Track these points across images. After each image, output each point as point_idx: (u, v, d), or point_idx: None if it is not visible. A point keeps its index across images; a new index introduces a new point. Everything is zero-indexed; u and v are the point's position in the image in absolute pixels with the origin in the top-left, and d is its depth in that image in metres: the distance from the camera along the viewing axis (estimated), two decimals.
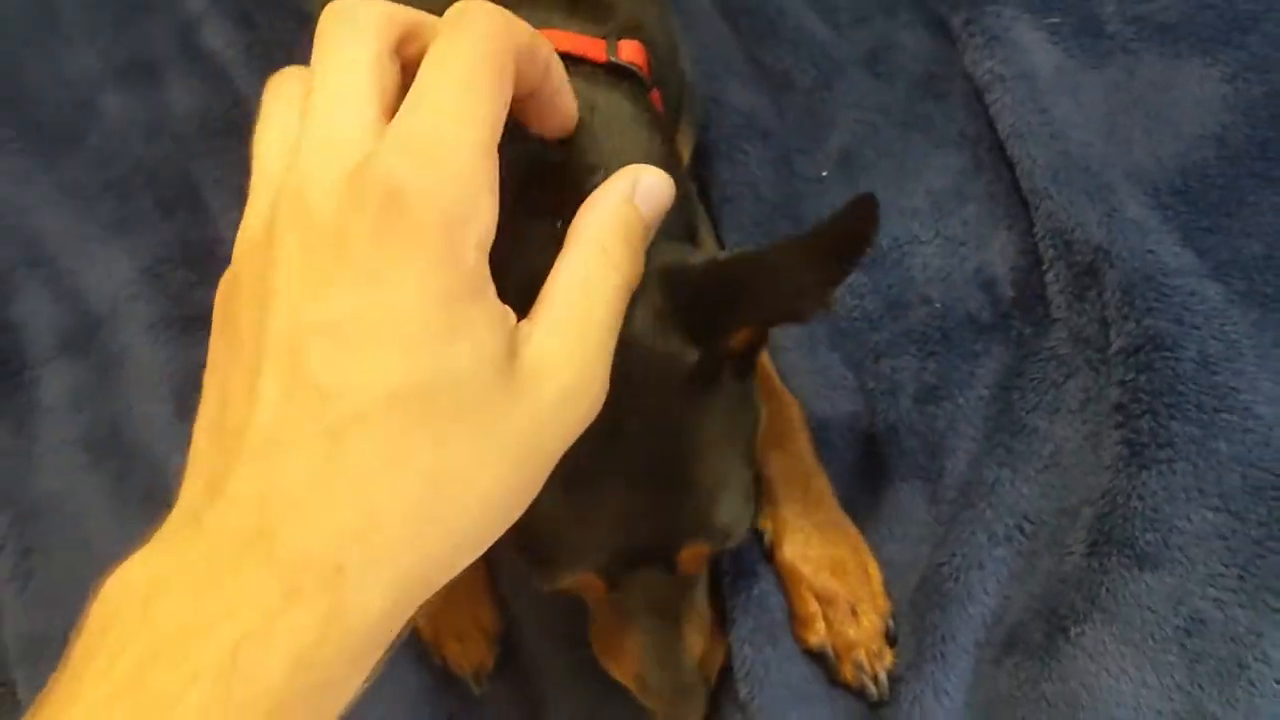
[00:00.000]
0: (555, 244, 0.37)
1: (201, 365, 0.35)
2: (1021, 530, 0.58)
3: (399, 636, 0.31)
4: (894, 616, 0.60)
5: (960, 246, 0.66)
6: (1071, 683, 0.53)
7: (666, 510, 0.47)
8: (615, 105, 0.49)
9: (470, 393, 0.32)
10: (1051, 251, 0.62)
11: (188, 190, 0.80)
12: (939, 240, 0.66)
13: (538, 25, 0.51)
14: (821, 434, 0.63)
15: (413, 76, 0.34)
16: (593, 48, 0.51)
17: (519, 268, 0.35)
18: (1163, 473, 0.54)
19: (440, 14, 0.36)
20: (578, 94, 0.43)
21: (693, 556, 0.50)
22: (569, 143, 0.44)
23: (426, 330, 0.31)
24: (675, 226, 0.46)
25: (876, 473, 0.63)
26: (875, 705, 0.59)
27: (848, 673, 0.59)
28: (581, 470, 0.37)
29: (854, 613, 0.60)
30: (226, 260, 0.35)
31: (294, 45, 0.83)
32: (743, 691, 0.58)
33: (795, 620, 0.60)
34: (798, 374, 0.64)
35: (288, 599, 0.29)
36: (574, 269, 0.36)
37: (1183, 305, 0.58)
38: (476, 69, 0.34)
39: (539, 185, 0.43)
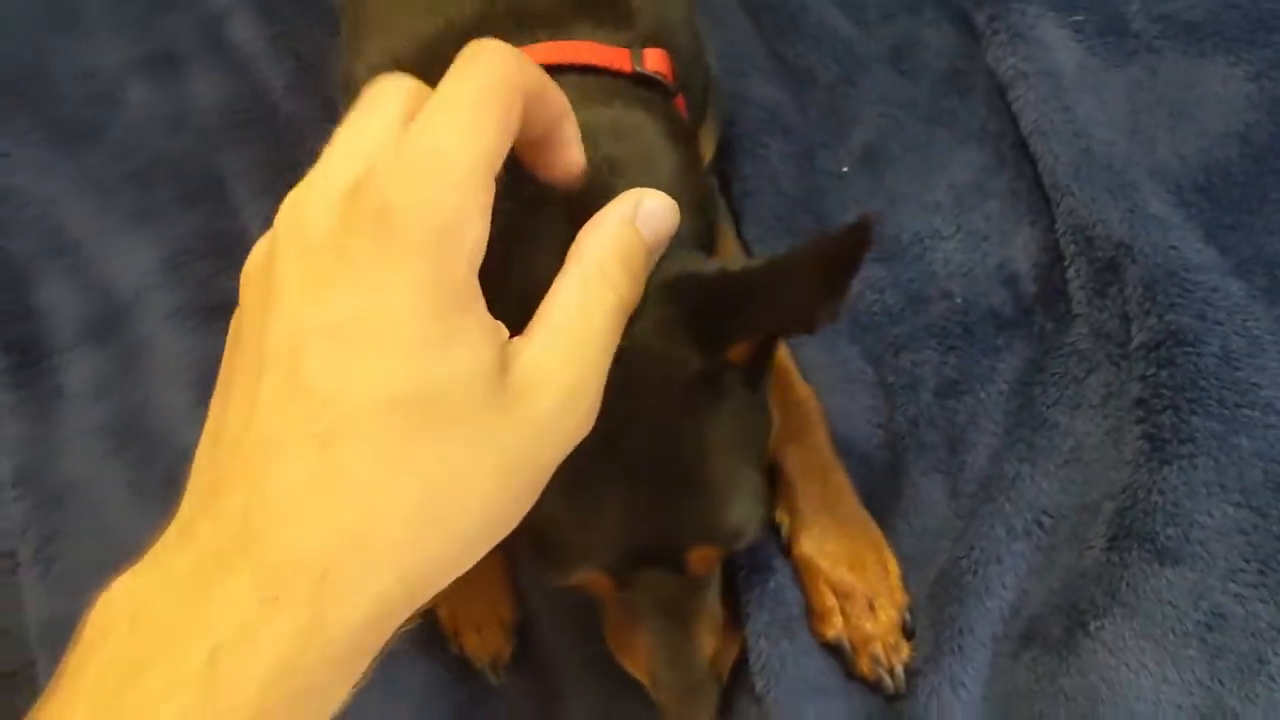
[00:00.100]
0: (559, 264, 0.38)
1: (222, 354, 0.35)
2: (1041, 525, 0.58)
3: (392, 641, 0.31)
4: (911, 610, 0.60)
5: (982, 242, 0.66)
6: (1091, 677, 0.53)
7: (671, 512, 0.48)
8: (635, 125, 0.50)
9: (464, 401, 0.32)
10: (1073, 247, 0.62)
11: (211, 181, 0.80)
12: (961, 235, 0.66)
13: (563, 37, 0.51)
14: (840, 428, 0.63)
15: None
16: (618, 58, 0.52)
17: (522, 284, 0.36)
18: (1184, 468, 0.54)
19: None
20: (598, 113, 0.44)
21: (701, 558, 0.50)
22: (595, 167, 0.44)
23: (422, 337, 0.32)
24: (689, 233, 0.46)
25: (895, 467, 0.63)
26: (892, 699, 0.58)
27: (864, 666, 0.59)
28: (585, 472, 0.37)
29: (871, 606, 0.59)
30: (249, 250, 0.36)
31: (319, 39, 0.85)
32: (759, 685, 0.58)
33: (812, 614, 0.60)
34: (817, 368, 0.64)
35: (267, 606, 0.29)
36: (572, 288, 0.36)
37: (1205, 301, 0.57)
38: (481, 101, 0.34)
39: (550, 205, 0.43)
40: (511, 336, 0.35)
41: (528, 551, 0.49)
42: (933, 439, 0.62)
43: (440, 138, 0.33)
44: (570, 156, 0.40)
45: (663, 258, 0.42)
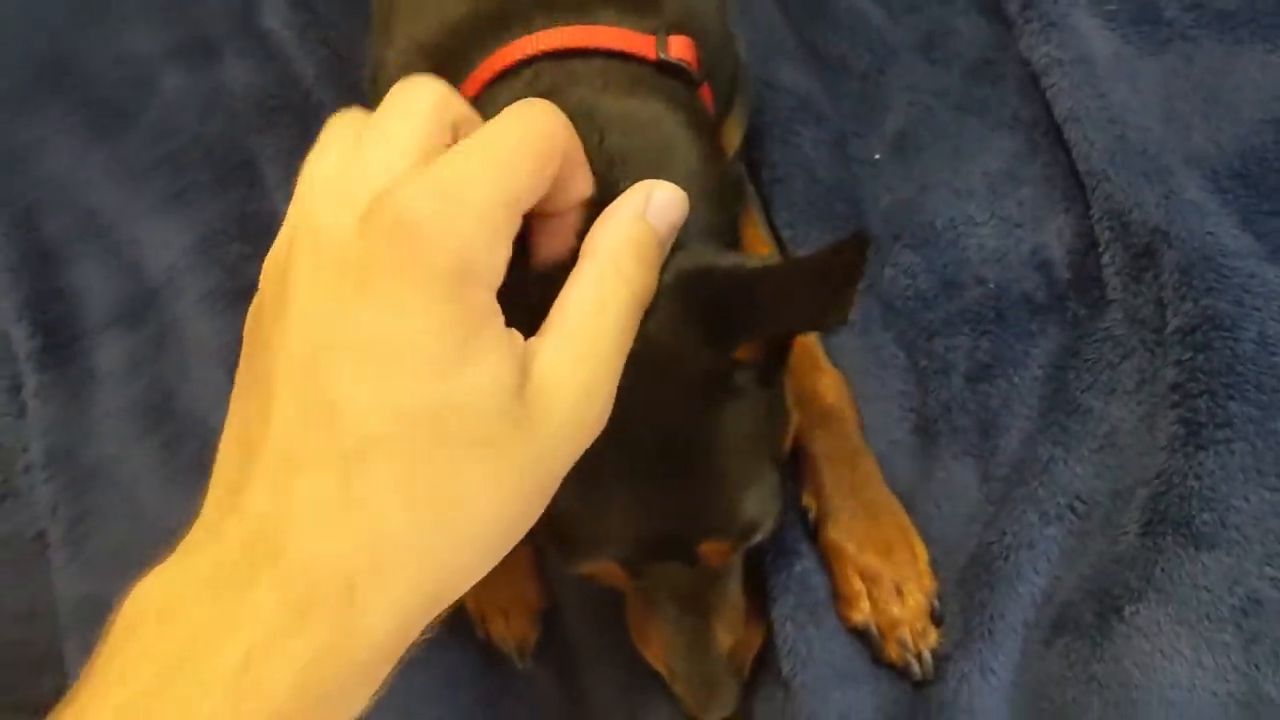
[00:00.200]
0: (571, 258, 0.38)
1: None
2: (1074, 510, 0.58)
3: (414, 646, 0.32)
4: (940, 595, 0.59)
5: (1016, 228, 0.66)
6: (1124, 663, 0.53)
7: (680, 506, 0.48)
8: (653, 116, 0.49)
9: (481, 419, 0.32)
10: (1108, 233, 0.61)
11: (243, 165, 0.81)
12: (994, 221, 0.66)
13: (587, 22, 0.51)
14: (870, 412, 0.63)
15: None
16: (642, 45, 0.52)
17: (536, 281, 0.36)
18: (1220, 453, 0.54)
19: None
20: (616, 103, 0.45)
21: (713, 552, 0.50)
22: (601, 160, 0.44)
23: (441, 358, 0.32)
24: (707, 225, 0.47)
25: (926, 451, 0.62)
26: (919, 685, 0.58)
27: (892, 652, 0.59)
28: (597, 464, 0.37)
29: (899, 591, 0.59)
30: None
31: (350, 28, 0.85)
32: (785, 669, 0.58)
33: (839, 598, 0.60)
34: (847, 352, 0.63)
35: (295, 616, 0.29)
36: (586, 285, 0.37)
37: (1242, 287, 0.57)
38: (522, 147, 0.35)
39: None
40: (526, 335, 0.35)
41: (545, 541, 0.49)
42: (964, 423, 0.62)
43: (474, 168, 0.34)
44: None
45: (677, 250, 0.42)
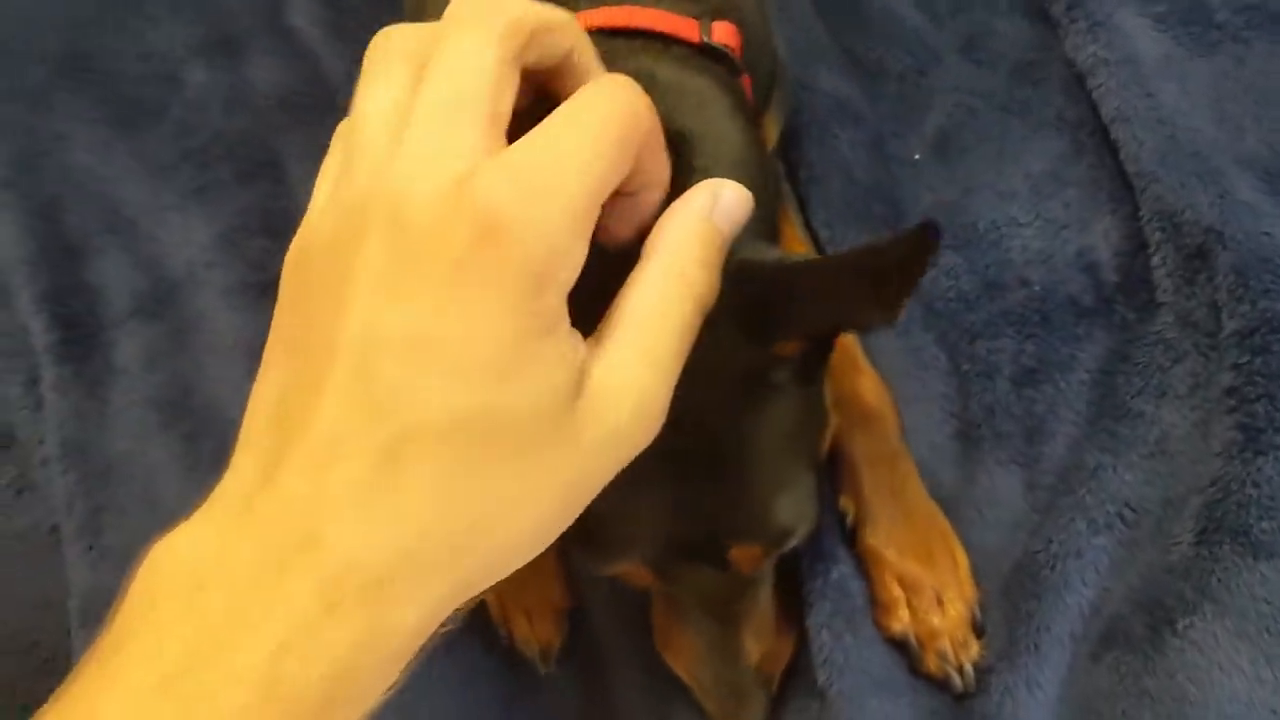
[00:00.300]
0: (631, 253, 0.36)
1: None
2: (1123, 518, 0.56)
3: (434, 637, 0.31)
4: (981, 606, 0.58)
5: (1061, 230, 0.64)
6: (1178, 677, 0.51)
7: (713, 507, 0.46)
8: (706, 91, 0.48)
9: (530, 427, 0.31)
10: (1159, 234, 0.60)
11: (268, 162, 0.80)
12: (1039, 223, 0.65)
13: (631, 3, 0.50)
14: (910, 416, 0.61)
15: (528, 83, 0.34)
16: (685, 28, 0.50)
17: (591, 274, 0.33)
18: None
19: None
20: (670, 76, 0.42)
21: (745, 557, 0.48)
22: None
23: (499, 362, 0.31)
24: (753, 218, 0.45)
25: (968, 456, 0.61)
26: (960, 697, 0.56)
27: (931, 663, 0.57)
28: (631, 462, 0.35)
29: (939, 600, 0.57)
30: None
31: (378, 24, 0.85)
32: (820, 679, 0.56)
33: (877, 606, 0.58)
34: (887, 353, 0.62)
35: (328, 610, 0.29)
36: (648, 289, 0.35)
37: None
38: (606, 133, 0.33)
39: None
40: (580, 325, 0.33)
41: (572, 539, 0.48)
42: (1009, 428, 0.60)
43: (561, 154, 0.32)
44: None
45: None
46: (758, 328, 0.41)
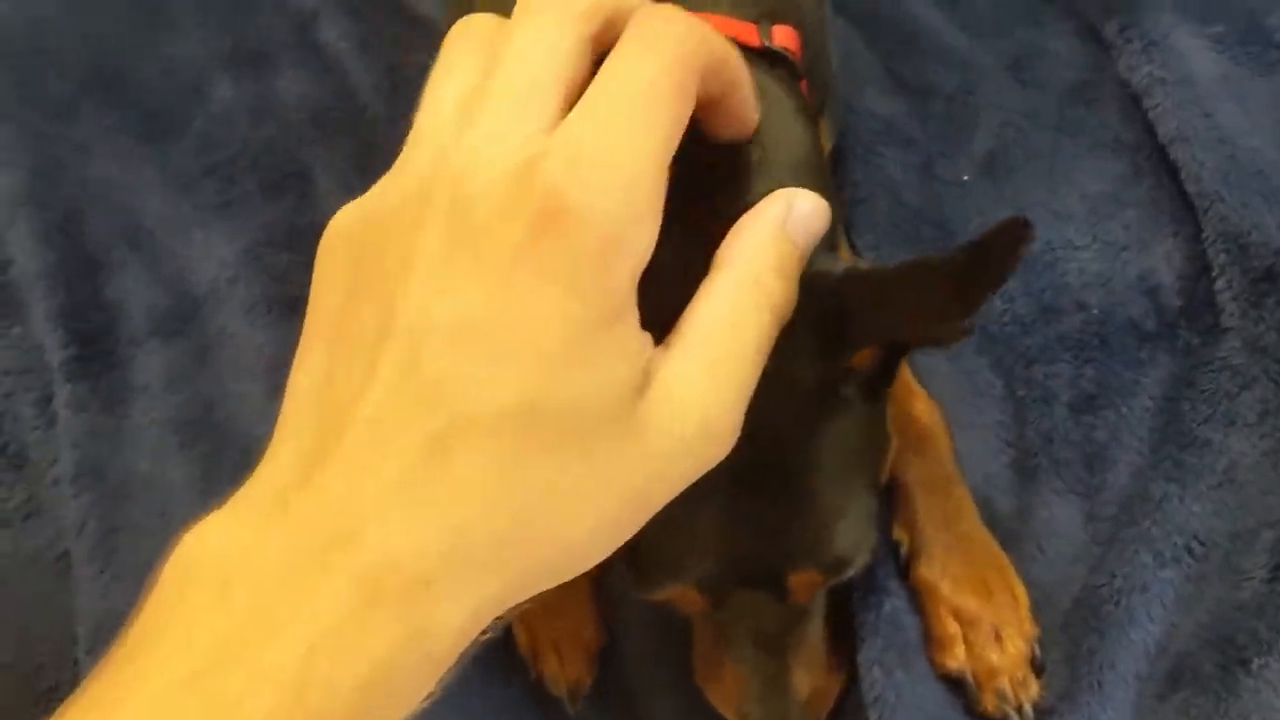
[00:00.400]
0: (703, 258, 0.34)
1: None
2: (1191, 551, 0.54)
3: (476, 640, 0.30)
4: (1041, 643, 0.55)
5: (1121, 252, 0.62)
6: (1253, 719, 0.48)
7: (774, 529, 0.44)
8: (769, 91, 0.45)
9: (587, 424, 0.29)
10: (1224, 257, 0.58)
11: (295, 176, 0.78)
12: (1097, 245, 0.63)
13: (688, 7, 0.49)
14: (964, 443, 0.59)
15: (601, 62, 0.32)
16: (745, 31, 0.49)
17: (661, 278, 0.32)
18: None
19: None
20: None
21: (804, 584, 0.46)
22: None
23: (559, 354, 0.29)
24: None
25: (1026, 486, 0.59)
26: None
27: (989, 702, 0.54)
28: None
29: (997, 637, 0.55)
30: None
31: (409, 40, 0.84)
32: (871, 717, 0.54)
33: (932, 642, 0.56)
34: (940, 378, 0.60)
35: (368, 608, 0.27)
36: (721, 300, 0.33)
37: None
38: (659, 83, 0.31)
39: (690, 176, 0.40)
40: (647, 325, 0.31)
41: (619, 560, 0.46)
42: (1068, 456, 0.58)
43: (614, 128, 0.30)
44: (746, 115, 0.37)
45: None
46: (833, 338, 0.39)
